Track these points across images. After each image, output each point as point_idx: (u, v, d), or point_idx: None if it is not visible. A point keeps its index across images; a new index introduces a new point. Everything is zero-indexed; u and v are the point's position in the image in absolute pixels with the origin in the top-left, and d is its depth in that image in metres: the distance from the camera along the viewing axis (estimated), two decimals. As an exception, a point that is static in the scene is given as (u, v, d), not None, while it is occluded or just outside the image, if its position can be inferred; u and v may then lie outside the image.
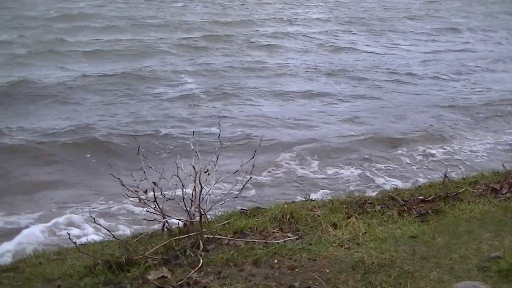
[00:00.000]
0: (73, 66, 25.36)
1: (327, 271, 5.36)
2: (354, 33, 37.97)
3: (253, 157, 6.29)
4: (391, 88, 23.21)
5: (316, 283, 5.11)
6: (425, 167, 15.06)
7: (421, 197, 7.48)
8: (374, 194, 8.51)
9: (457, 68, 27.69)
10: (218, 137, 6.24)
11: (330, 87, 23.08)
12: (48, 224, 11.17)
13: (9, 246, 10.18)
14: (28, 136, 16.21)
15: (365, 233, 6.27)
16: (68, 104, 19.74)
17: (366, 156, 15.63)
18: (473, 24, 43.62)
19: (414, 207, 7.14)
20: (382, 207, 7.11)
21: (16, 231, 10.94)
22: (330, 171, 14.71)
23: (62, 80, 22.15)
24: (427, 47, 34.17)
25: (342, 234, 6.26)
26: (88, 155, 15.21)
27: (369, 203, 7.26)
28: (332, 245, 5.94)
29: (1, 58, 26.40)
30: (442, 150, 16.26)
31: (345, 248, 5.87)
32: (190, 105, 19.97)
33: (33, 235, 10.72)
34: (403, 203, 7.29)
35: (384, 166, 15.08)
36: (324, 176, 14.36)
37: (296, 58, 29.23)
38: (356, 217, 6.74)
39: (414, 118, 18.89)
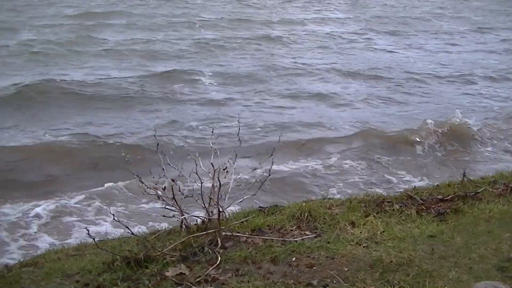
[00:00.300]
0: (94, 65, 25.33)
1: (345, 269, 5.35)
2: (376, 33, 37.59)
3: (271, 155, 6.29)
4: (411, 89, 22.98)
5: (334, 282, 5.10)
6: (444, 166, 14.99)
7: (439, 196, 7.44)
8: (392, 193, 8.47)
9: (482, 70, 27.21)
10: (237, 134, 6.22)
11: (348, 87, 22.95)
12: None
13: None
14: (53, 134, 16.32)
15: (383, 232, 6.25)
16: (88, 104, 19.77)
17: (384, 154, 15.58)
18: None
19: (433, 206, 7.11)
20: (400, 206, 7.08)
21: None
22: (348, 168, 14.69)
23: (86, 79, 22.08)
24: (454, 47, 33.76)
25: (360, 232, 6.25)
26: (106, 153, 15.26)
27: (387, 202, 7.24)
28: (350, 243, 5.93)
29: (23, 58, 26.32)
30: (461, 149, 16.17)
31: (363, 247, 5.85)
32: (210, 104, 19.99)
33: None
34: (422, 202, 7.26)
35: (402, 165, 15.04)
36: (341, 173, 14.34)
37: (315, 58, 29.14)
38: (374, 216, 6.73)
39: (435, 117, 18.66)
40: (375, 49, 32.26)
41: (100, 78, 22.80)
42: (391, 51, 31.54)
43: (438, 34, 38.34)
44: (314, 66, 26.84)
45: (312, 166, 14.70)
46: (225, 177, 6.10)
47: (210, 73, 24.70)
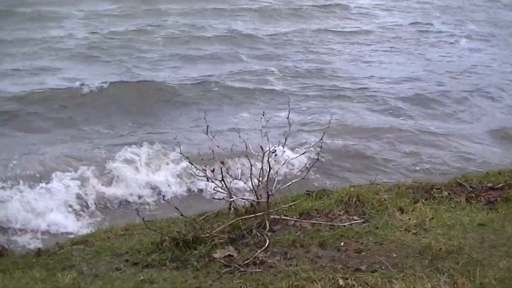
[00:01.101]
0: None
1: (394, 255, 5.32)
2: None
3: (321, 139, 6.26)
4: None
5: (383, 267, 5.08)
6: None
7: (489, 184, 7.35)
8: (441, 179, 8.38)
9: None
10: (287, 117, 6.20)
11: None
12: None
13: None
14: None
15: (432, 218, 6.20)
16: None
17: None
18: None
19: (483, 194, 7.03)
20: (449, 193, 7.02)
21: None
22: (398, 155, 14.60)
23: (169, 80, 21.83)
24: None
25: (409, 219, 6.20)
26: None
27: (436, 189, 7.18)
28: (399, 229, 5.89)
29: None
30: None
31: (412, 233, 5.81)
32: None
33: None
34: (471, 189, 7.18)
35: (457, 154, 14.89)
36: (391, 159, 14.26)
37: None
38: (423, 202, 6.67)
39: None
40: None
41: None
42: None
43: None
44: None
45: (361, 151, 14.64)
46: (274, 160, 6.10)
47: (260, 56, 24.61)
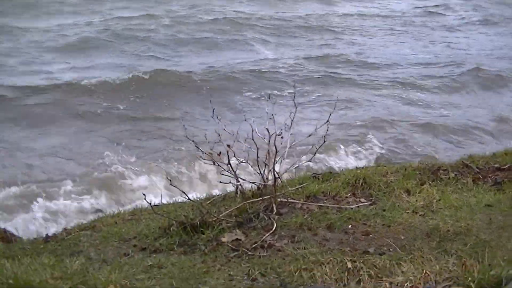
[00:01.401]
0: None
1: (402, 237, 5.31)
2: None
3: (327, 121, 6.24)
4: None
5: (391, 250, 5.07)
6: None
7: (496, 165, 7.35)
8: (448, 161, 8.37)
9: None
10: (293, 99, 6.17)
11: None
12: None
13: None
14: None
15: (439, 200, 6.20)
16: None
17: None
18: None
19: (490, 175, 7.03)
20: (456, 175, 7.02)
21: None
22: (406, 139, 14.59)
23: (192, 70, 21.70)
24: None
25: (416, 200, 6.20)
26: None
27: (442, 170, 7.17)
28: (406, 211, 5.89)
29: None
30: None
31: (420, 215, 5.81)
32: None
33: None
34: (478, 171, 7.18)
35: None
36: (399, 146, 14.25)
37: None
38: (429, 184, 6.68)
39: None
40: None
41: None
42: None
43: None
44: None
45: (369, 137, 14.62)
46: (281, 143, 6.08)
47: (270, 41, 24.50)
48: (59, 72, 20.07)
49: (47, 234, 6.13)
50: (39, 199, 11.09)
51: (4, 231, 6.80)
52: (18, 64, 21.09)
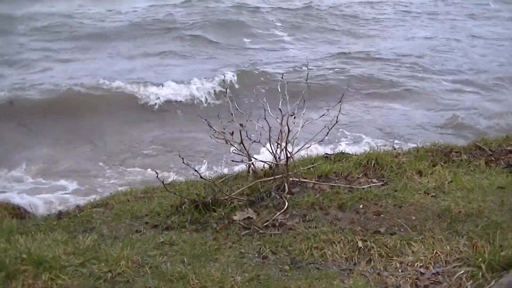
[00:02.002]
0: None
1: (413, 218, 5.32)
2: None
3: (340, 102, 6.24)
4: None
5: (402, 230, 5.09)
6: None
7: (509, 148, 7.31)
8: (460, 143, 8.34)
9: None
10: (306, 80, 6.17)
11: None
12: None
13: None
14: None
15: (451, 182, 6.19)
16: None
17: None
18: None
19: (502, 157, 7.00)
20: (468, 157, 6.99)
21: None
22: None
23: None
24: None
25: (428, 182, 6.20)
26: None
27: (455, 152, 7.15)
28: (418, 192, 5.89)
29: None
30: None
31: (431, 196, 5.81)
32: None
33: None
34: (491, 153, 7.15)
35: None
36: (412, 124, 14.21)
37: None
38: (441, 166, 6.66)
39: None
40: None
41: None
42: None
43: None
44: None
45: (381, 114, 14.59)
46: (293, 123, 6.09)
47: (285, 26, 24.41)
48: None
49: (60, 211, 6.17)
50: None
51: (18, 207, 6.85)
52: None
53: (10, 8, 26.18)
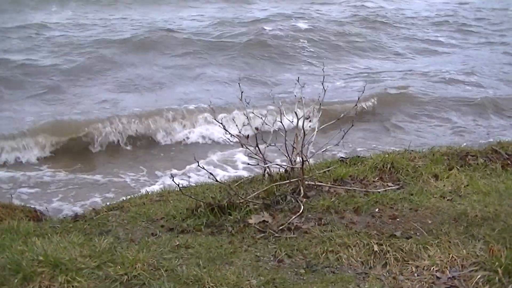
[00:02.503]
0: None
1: (429, 222, 5.30)
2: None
3: (355, 105, 6.24)
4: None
5: (418, 234, 5.07)
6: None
7: (526, 151, 7.28)
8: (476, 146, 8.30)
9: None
10: (322, 83, 6.16)
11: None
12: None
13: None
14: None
15: (467, 185, 6.17)
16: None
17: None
18: None
19: (519, 161, 6.96)
20: (485, 160, 6.96)
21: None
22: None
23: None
24: None
25: (444, 185, 6.18)
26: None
27: (471, 156, 7.12)
28: (434, 196, 5.88)
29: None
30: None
31: (447, 200, 5.79)
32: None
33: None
34: (507, 156, 7.11)
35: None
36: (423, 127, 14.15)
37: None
38: (458, 169, 6.63)
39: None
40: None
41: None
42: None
43: None
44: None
45: (395, 121, 14.55)
46: (309, 127, 6.09)
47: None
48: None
49: (76, 213, 6.20)
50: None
51: (35, 210, 6.90)
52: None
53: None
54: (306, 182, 6.00)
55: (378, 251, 4.77)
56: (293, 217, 5.40)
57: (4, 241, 4.99)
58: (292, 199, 5.75)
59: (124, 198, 6.94)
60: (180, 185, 5.94)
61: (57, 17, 25.63)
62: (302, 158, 5.94)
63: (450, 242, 4.85)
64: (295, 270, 4.62)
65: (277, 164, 6.29)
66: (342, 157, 7.15)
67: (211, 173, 5.83)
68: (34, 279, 4.30)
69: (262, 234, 5.17)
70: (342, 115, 6.28)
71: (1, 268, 4.46)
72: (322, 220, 5.36)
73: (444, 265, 4.55)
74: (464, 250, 4.69)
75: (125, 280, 4.39)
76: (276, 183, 6.00)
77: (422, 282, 4.37)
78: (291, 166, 6.11)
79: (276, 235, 5.14)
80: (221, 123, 6.17)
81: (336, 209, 5.56)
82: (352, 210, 5.55)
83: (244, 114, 6.27)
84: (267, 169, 6.28)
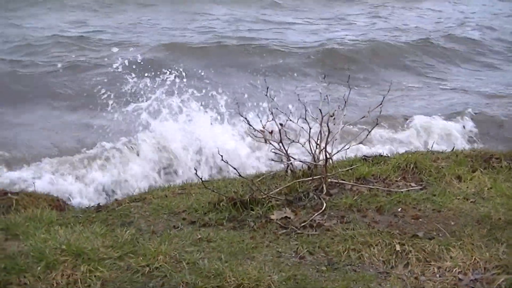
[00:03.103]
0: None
1: (452, 223, 5.28)
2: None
3: (380, 104, 6.22)
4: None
5: (440, 235, 5.05)
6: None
7: (551, 155, 7.22)
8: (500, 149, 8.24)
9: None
10: (347, 81, 6.15)
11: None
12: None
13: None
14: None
15: (490, 188, 6.13)
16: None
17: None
18: None
19: (543, 164, 6.90)
20: (509, 163, 6.90)
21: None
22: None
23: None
24: None
25: (467, 187, 6.15)
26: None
27: (495, 158, 7.06)
28: (457, 197, 5.85)
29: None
30: None
31: (471, 202, 5.76)
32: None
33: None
34: (532, 160, 7.06)
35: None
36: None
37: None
38: (481, 172, 6.59)
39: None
40: None
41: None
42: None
43: None
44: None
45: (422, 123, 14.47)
46: (333, 124, 6.08)
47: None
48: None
49: (98, 204, 6.23)
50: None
51: (57, 199, 6.94)
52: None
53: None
54: (329, 180, 6.00)
55: (400, 251, 4.77)
56: (316, 214, 5.40)
57: (28, 229, 5.03)
58: (315, 196, 5.75)
59: (146, 190, 6.97)
60: (203, 179, 5.96)
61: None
62: (325, 156, 5.93)
63: (473, 244, 4.82)
64: (317, 267, 4.63)
65: (300, 161, 6.29)
66: (365, 156, 7.12)
67: (234, 168, 5.84)
68: (57, 267, 4.35)
69: (284, 230, 5.18)
70: (367, 113, 6.25)
71: (25, 256, 4.51)
72: (345, 218, 5.36)
73: (467, 267, 4.53)
74: (487, 253, 4.67)
75: (146, 271, 4.42)
76: (299, 180, 6.00)
77: (444, 284, 4.36)
78: (314, 163, 6.11)
79: (298, 231, 5.14)
80: (245, 118, 6.18)
81: (358, 208, 5.56)
82: (375, 209, 5.54)
83: (269, 110, 6.27)
84: (290, 166, 6.28)
